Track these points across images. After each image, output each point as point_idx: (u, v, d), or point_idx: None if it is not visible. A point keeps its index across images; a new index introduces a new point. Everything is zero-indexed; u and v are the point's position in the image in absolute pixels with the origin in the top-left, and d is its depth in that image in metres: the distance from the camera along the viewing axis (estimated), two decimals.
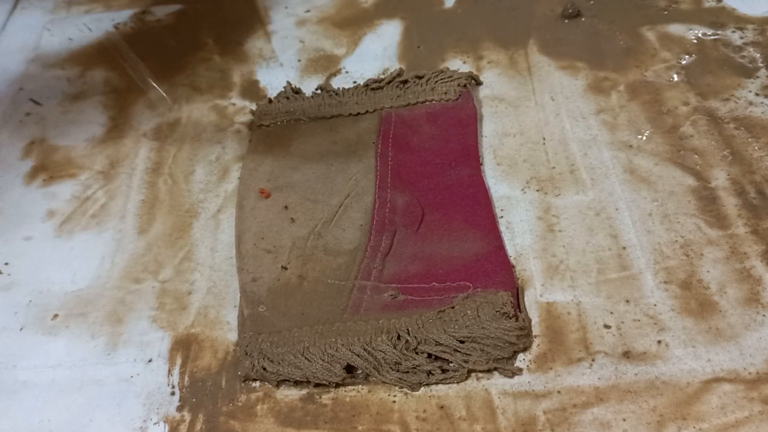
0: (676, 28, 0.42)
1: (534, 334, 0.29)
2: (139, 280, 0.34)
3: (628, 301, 0.30)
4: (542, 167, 0.35)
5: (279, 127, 0.39)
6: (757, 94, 0.37)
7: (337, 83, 0.42)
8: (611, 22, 0.43)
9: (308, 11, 0.48)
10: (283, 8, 0.48)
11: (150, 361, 0.31)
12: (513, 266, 0.31)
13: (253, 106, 0.41)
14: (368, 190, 0.35)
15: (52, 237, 0.36)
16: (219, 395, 0.29)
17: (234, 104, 0.42)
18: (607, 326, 0.29)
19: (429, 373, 0.28)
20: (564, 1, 0.44)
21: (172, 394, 0.30)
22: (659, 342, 0.28)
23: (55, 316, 0.33)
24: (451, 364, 0.28)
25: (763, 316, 0.29)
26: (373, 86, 0.40)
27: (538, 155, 0.36)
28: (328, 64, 0.44)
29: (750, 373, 0.27)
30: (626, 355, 0.28)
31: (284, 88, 0.41)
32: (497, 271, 0.31)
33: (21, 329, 0.33)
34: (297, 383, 0.29)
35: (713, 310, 0.29)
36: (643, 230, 0.32)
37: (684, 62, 0.40)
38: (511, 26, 0.44)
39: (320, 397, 0.29)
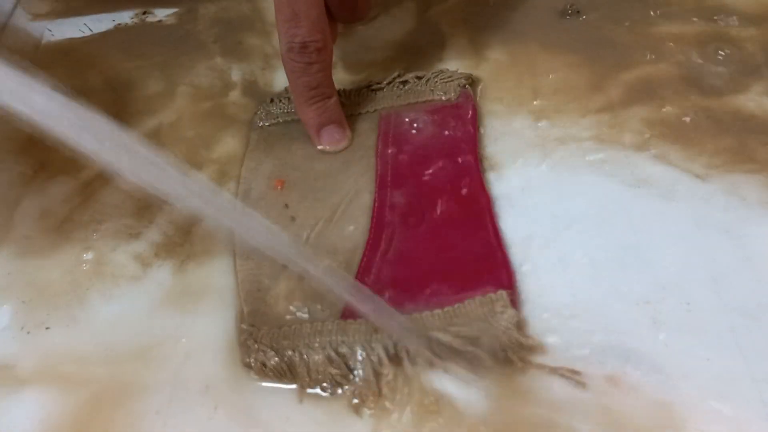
0: (677, 26, 0.42)
1: None
2: None
3: None
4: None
5: (280, 126, 0.40)
6: (759, 92, 0.37)
7: (337, 83, 0.42)
8: (612, 20, 0.43)
9: None
10: None
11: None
12: (511, 265, 0.31)
13: (254, 106, 0.41)
14: (368, 189, 0.35)
15: (51, 236, 0.36)
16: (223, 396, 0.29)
17: (234, 104, 0.42)
18: None
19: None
20: None
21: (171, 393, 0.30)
22: None
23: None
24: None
25: None
26: (373, 86, 0.40)
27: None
28: None
29: None
30: None
31: (285, 87, 0.41)
32: (497, 270, 0.31)
33: (21, 328, 0.33)
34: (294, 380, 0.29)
35: None
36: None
37: (685, 59, 0.39)
38: (511, 25, 0.44)
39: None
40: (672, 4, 0.43)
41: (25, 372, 0.31)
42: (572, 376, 0.28)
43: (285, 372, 0.29)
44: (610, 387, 0.27)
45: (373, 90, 0.40)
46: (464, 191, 0.34)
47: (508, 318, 0.28)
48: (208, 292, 0.33)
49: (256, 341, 0.30)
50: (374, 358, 0.29)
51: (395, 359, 0.29)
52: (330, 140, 0.37)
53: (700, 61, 0.39)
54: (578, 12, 0.44)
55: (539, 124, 0.38)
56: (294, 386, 0.29)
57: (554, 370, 0.28)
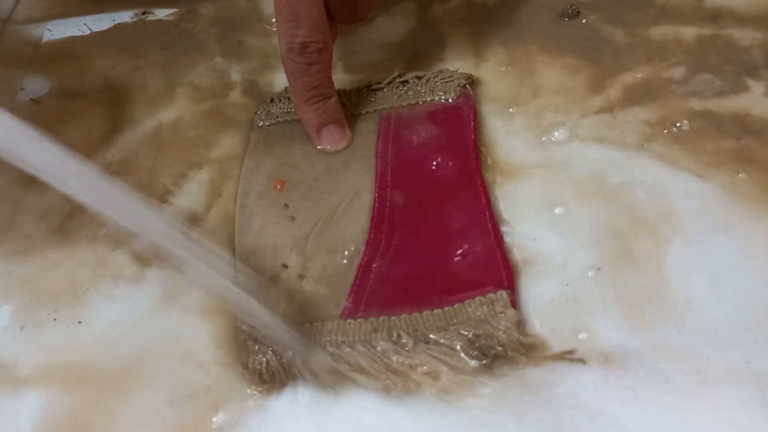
0: (676, 27, 0.42)
1: None
2: None
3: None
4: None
5: (280, 126, 0.40)
6: (759, 92, 0.37)
7: (337, 83, 0.42)
8: (611, 22, 0.43)
9: None
10: None
11: None
12: (511, 265, 0.31)
13: (254, 106, 0.42)
14: (368, 189, 0.35)
15: (52, 236, 0.36)
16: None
17: (234, 104, 0.42)
18: None
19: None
20: (564, 0, 0.44)
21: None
22: None
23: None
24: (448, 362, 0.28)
25: None
26: (373, 86, 0.40)
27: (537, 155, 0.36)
28: None
29: None
30: None
31: (285, 87, 0.41)
32: (497, 270, 0.31)
33: (21, 328, 0.33)
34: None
35: None
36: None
37: (684, 61, 0.40)
38: (511, 26, 0.44)
39: None
40: (671, 6, 0.43)
41: (25, 372, 0.31)
42: (569, 356, 0.28)
43: (284, 372, 0.29)
44: (609, 387, 0.27)
45: (373, 90, 0.40)
46: (464, 191, 0.34)
47: (509, 318, 0.28)
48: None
49: (255, 341, 0.30)
50: (377, 356, 0.29)
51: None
52: (330, 140, 0.37)
53: (699, 61, 0.39)
54: (578, 13, 0.44)
55: (539, 125, 0.38)
56: (294, 386, 0.29)
57: (551, 357, 0.28)
